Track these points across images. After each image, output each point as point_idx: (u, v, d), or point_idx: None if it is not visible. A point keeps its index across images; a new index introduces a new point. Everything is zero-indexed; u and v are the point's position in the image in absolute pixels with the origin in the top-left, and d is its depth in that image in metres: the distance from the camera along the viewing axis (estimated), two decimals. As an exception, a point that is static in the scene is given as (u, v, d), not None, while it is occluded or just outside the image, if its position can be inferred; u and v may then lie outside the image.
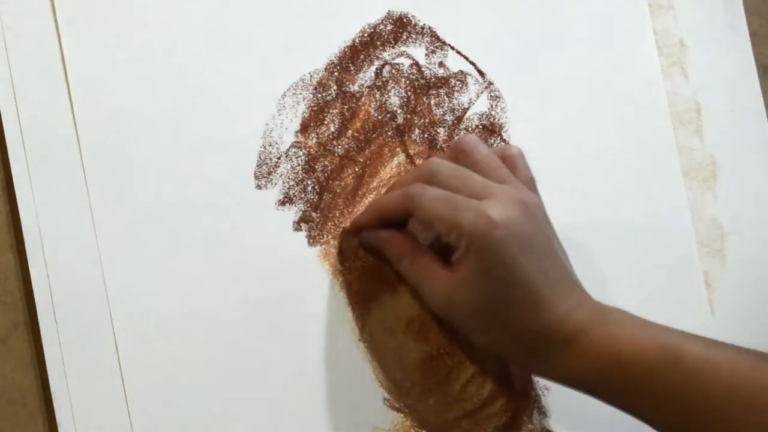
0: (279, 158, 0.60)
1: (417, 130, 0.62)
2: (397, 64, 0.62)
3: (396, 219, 0.57)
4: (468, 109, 0.63)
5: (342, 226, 0.60)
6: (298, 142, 0.60)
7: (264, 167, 0.60)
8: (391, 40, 0.62)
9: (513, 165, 0.57)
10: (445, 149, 0.62)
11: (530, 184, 0.57)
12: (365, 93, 0.61)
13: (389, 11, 0.62)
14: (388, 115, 0.62)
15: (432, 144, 0.62)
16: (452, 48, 0.63)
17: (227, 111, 0.59)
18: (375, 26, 0.62)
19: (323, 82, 0.61)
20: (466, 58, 0.63)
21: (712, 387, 0.50)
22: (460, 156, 0.56)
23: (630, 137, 0.65)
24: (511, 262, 0.52)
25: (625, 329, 0.52)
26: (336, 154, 0.61)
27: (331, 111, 0.61)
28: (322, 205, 0.60)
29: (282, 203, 0.60)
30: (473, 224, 0.52)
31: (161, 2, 0.59)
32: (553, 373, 0.54)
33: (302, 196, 0.60)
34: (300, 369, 0.59)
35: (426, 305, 0.58)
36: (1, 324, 0.57)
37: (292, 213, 0.60)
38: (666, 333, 0.52)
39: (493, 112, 0.63)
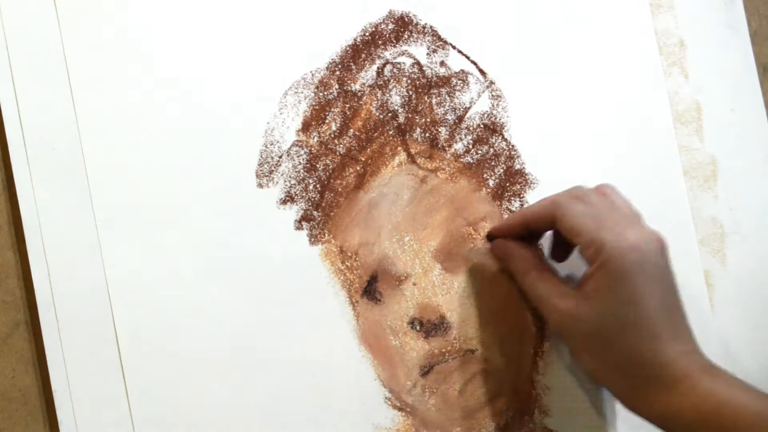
0: (280, 157, 0.60)
1: (418, 129, 0.62)
2: (399, 63, 0.62)
3: (539, 226, 0.59)
4: (469, 108, 0.63)
5: (342, 226, 0.61)
6: (300, 140, 0.60)
7: (265, 166, 0.60)
8: (392, 39, 0.62)
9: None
10: (446, 149, 0.62)
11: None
12: (366, 92, 0.61)
13: (391, 10, 0.62)
14: (390, 114, 0.62)
15: (433, 143, 0.62)
16: (453, 47, 0.63)
17: (229, 109, 0.59)
18: (376, 25, 0.62)
19: (325, 80, 0.61)
20: (468, 58, 0.63)
21: None
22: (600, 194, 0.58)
23: (630, 137, 0.65)
24: (641, 288, 0.54)
25: (733, 387, 0.53)
26: (337, 153, 0.61)
27: (332, 110, 0.61)
28: (323, 204, 0.60)
29: (283, 202, 0.60)
30: (614, 243, 0.54)
31: (163, 1, 0.59)
32: (648, 408, 0.54)
33: (303, 194, 0.60)
34: (301, 368, 0.59)
35: (546, 322, 0.60)
36: (2, 323, 0.57)
37: (293, 212, 0.60)
38: None
39: (494, 112, 0.63)
